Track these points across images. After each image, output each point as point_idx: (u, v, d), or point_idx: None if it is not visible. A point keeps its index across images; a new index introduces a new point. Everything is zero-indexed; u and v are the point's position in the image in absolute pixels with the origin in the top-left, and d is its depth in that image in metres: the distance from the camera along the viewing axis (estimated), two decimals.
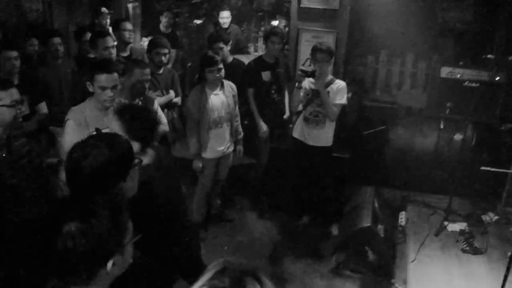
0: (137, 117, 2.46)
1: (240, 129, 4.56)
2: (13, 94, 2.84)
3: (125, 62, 4.55)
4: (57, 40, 4.44)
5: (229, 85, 4.36)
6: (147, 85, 3.63)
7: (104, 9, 5.72)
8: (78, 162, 1.69)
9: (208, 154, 4.27)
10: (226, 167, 4.54)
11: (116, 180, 1.75)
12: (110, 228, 1.30)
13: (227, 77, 4.88)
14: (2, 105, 2.80)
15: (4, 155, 2.85)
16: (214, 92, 4.17)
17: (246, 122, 5.17)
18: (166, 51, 4.40)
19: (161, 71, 4.46)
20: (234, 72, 4.96)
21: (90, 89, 3.09)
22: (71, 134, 3.07)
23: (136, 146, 2.18)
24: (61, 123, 3.55)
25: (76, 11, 6.04)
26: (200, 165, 4.24)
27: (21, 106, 2.89)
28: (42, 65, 4.52)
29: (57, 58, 4.47)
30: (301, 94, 4.36)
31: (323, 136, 4.36)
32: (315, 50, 4.21)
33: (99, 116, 3.15)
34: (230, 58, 5.05)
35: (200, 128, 4.15)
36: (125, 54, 4.81)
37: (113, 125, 2.40)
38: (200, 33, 7.34)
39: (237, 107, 4.46)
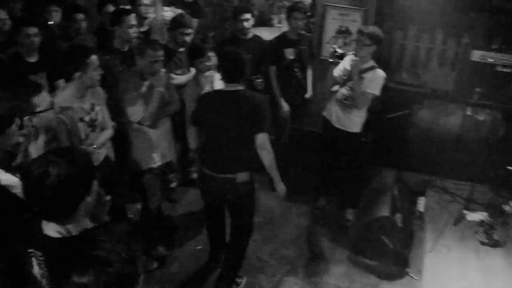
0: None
1: None
2: (47, 98, 2.75)
3: (143, 37, 4.47)
4: (80, 16, 4.36)
5: None
6: (160, 66, 3.57)
7: None
8: (39, 180, 1.60)
9: None
10: None
11: (80, 196, 1.71)
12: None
13: (247, 53, 4.77)
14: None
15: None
16: (210, 81, 4.03)
17: None
18: (190, 31, 4.29)
19: (182, 49, 4.36)
20: (254, 48, 4.85)
21: (83, 77, 3.11)
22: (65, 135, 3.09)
23: None
24: None
25: None
26: None
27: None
28: (63, 40, 4.45)
29: (80, 34, 4.41)
30: (340, 73, 4.23)
31: (349, 121, 4.21)
32: (358, 32, 4.06)
33: (79, 105, 3.17)
34: (250, 34, 4.90)
35: None
36: (143, 29, 4.71)
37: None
38: (223, 1, 7.12)
39: None
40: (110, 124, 3.50)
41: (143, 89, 3.56)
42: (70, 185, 1.63)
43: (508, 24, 5.53)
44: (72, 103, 3.12)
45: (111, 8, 4.70)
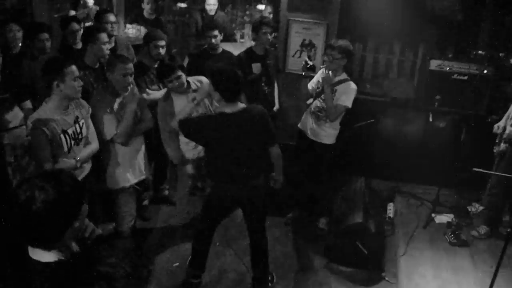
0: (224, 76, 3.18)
1: None
2: (19, 113, 2.66)
3: (109, 54, 4.43)
4: (44, 36, 4.27)
5: (196, 80, 4.08)
6: (130, 79, 3.55)
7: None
8: (25, 206, 1.55)
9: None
10: None
11: (67, 222, 1.66)
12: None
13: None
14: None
15: None
16: (181, 97, 3.93)
17: None
18: (164, 43, 4.29)
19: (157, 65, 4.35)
20: (224, 63, 4.89)
21: (61, 87, 3.02)
22: (48, 147, 3.02)
23: None
24: None
25: None
26: (190, 169, 4.11)
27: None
28: (26, 59, 4.34)
29: (44, 54, 4.31)
30: (313, 86, 4.29)
31: (322, 133, 4.27)
32: (327, 46, 4.15)
33: (62, 118, 3.12)
34: (220, 49, 4.95)
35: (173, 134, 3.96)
36: (110, 46, 4.66)
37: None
38: (184, 17, 7.17)
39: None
40: (96, 139, 3.44)
41: (115, 106, 3.53)
42: (57, 211, 1.58)
43: (459, 34, 5.86)
44: (55, 115, 3.06)
45: (76, 26, 4.64)
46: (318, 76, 4.29)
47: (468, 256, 4.33)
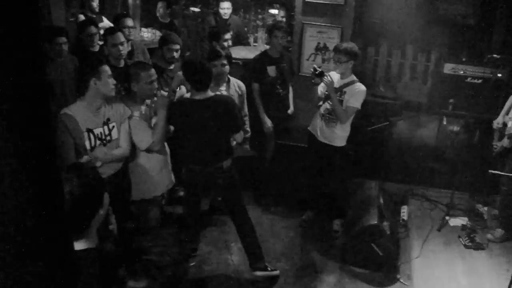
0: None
1: (247, 129, 4.52)
2: None
3: (127, 58, 4.50)
4: (62, 39, 4.34)
5: (236, 83, 4.31)
6: (155, 86, 3.60)
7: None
8: None
9: None
10: None
11: (93, 211, 1.73)
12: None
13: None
14: None
15: None
16: (219, 88, 4.12)
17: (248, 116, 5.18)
18: (178, 47, 4.37)
19: (172, 67, 4.41)
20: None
21: (98, 84, 3.13)
22: (70, 140, 3.09)
23: None
24: None
25: (73, 1, 5.91)
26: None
27: None
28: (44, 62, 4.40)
29: (61, 57, 4.37)
30: (322, 89, 4.32)
31: (333, 135, 4.30)
32: (333, 49, 4.20)
33: (90, 117, 3.17)
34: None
35: None
36: (127, 49, 4.72)
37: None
38: (197, 21, 7.23)
39: (245, 106, 4.43)
40: (127, 145, 3.39)
41: (143, 113, 3.52)
42: (83, 200, 1.67)
43: (472, 38, 5.87)
44: (83, 112, 3.12)
45: (93, 29, 4.71)
46: (327, 79, 4.31)
47: (483, 259, 4.32)
